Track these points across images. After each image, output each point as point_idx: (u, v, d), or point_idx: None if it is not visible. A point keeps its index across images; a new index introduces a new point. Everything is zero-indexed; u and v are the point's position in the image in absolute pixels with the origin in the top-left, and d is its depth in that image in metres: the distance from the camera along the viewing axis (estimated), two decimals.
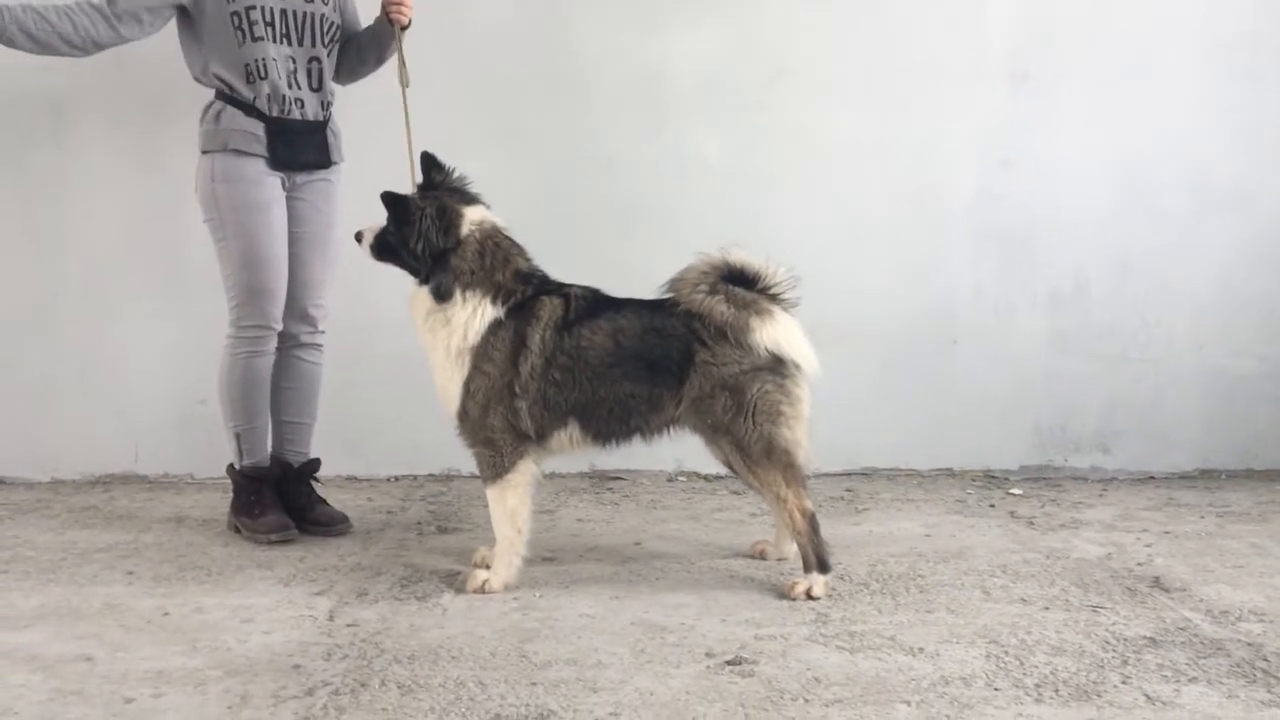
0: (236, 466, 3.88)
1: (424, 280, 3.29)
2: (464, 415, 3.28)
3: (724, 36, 4.66)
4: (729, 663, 2.70)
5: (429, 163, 3.35)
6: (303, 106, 3.72)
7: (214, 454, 4.68)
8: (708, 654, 2.76)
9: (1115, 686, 2.56)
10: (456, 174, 3.37)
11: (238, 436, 3.82)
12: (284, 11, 3.65)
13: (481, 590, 3.24)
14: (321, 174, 3.82)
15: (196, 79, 3.76)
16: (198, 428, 4.65)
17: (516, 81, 4.64)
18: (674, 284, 3.28)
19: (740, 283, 3.24)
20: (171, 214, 4.59)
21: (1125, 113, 4.68)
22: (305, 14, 3.70)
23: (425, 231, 3.22)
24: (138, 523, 4.07)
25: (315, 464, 3.98)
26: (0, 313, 4.69)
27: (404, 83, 3.73)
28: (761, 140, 4.67)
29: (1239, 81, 4.66)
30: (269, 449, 3.90)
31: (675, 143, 4.67)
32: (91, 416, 4.72)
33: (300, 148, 3.74)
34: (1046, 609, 3.10)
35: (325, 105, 3.81)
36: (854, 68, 4.67)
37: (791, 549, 3.46)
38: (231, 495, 3.95)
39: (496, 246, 3.29)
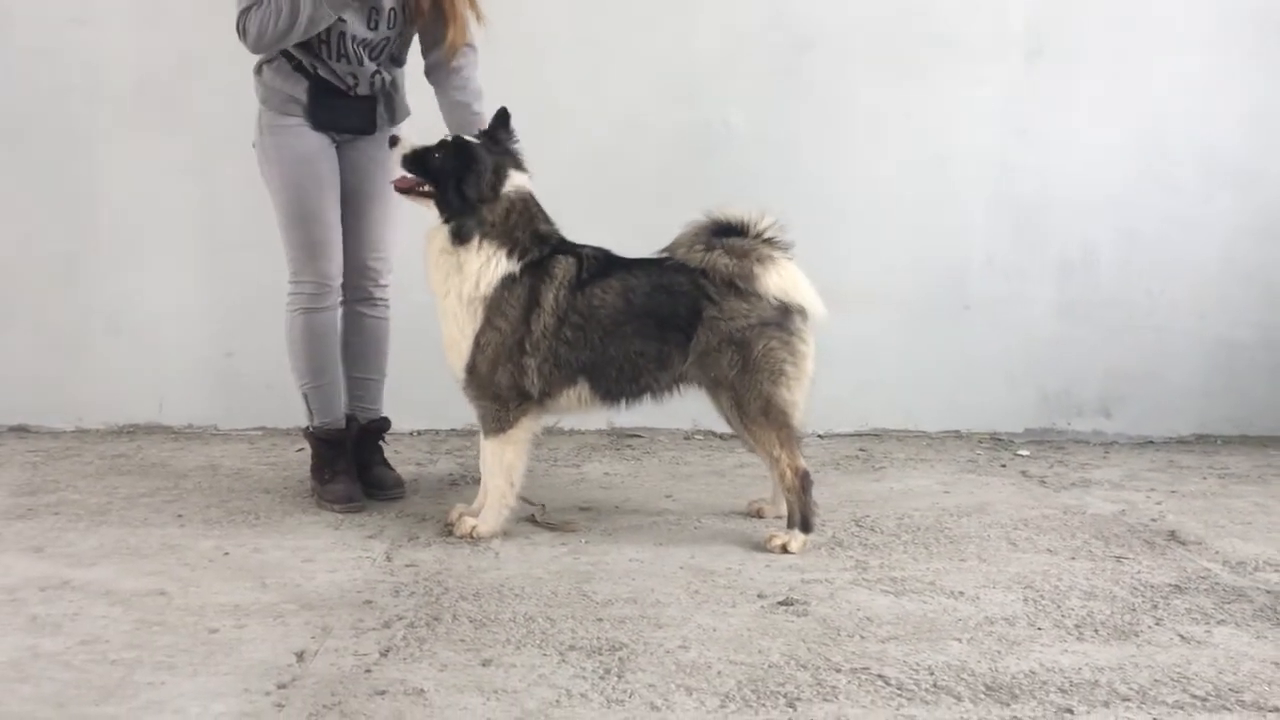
0: (309, 428, 3.76)
1: (447, 219, 3.33)
2: (472, 369, 3.34)
3: (754, 6, 4.75)
4: (781, 603, 2.83)
5: (502, 119, 3.40)
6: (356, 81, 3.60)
7: (240, 406, 4.78)
8: (759, 595, 2.89)
9: (1150, 627, 2.71)
10: (519, 142, 3.43)
11: (305, 396, 3.72)
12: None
13: (470, 536, 3.32)
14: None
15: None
16: (223, 380, 4.75)
17: (542, 45, 4.68)
18: (670, 250, 3.37)
19: (732, 235, 3.32)
20: (200, 168, 4.66)
21: (1137, 91, 4.81)
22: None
23: (478, 181, 3.28)
24: (172, 471, 4.13)
25: (384, 423, 3.89)
26: (29, 263, 4.72)
27: None
28: (786, 109, 4.77)
29: (1248, 62, 4.79)
30: (342, 409, 3.78)
31: (703, 110, 4.75)
32: (117, 367, 4.76)
33: (343, 113, 3.62)
34: (1073, 559, 3.25)
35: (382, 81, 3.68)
36: (877, 39, 4.76)
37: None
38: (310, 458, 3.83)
39: (525, 208, 3.37)
